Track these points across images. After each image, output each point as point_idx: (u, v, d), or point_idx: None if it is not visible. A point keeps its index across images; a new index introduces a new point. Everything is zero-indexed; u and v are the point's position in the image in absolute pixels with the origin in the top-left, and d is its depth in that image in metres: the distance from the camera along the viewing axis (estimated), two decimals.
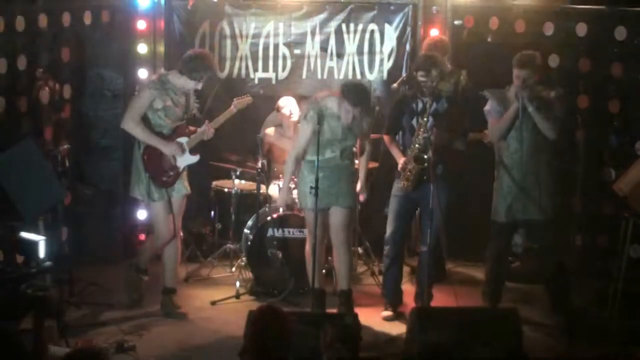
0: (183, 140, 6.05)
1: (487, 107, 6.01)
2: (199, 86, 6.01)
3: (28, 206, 5.42)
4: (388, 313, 6.23)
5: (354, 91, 5.79)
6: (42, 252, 5.06)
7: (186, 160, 6.08)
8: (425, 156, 5.86)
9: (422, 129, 5.92)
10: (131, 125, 5.92)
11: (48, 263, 4.91)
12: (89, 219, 7.20)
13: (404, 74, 7.33)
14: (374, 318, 6.11)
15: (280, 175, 6.85)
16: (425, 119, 5.92)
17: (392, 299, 6.29)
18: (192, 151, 6.11)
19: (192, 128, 6.13)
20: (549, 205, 5.91)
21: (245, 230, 6.88)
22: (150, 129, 5.93)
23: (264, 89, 7.59)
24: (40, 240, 5.08)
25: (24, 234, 5.17)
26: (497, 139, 5.94)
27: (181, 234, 6.34)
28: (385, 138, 6.25)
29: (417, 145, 5.94)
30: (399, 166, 6.07)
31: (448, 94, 6.09)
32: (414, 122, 6.01)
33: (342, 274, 6.07)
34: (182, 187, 6.11)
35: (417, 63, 6.10)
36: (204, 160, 6.33)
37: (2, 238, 5.34)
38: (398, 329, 5.88)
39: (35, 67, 6.58)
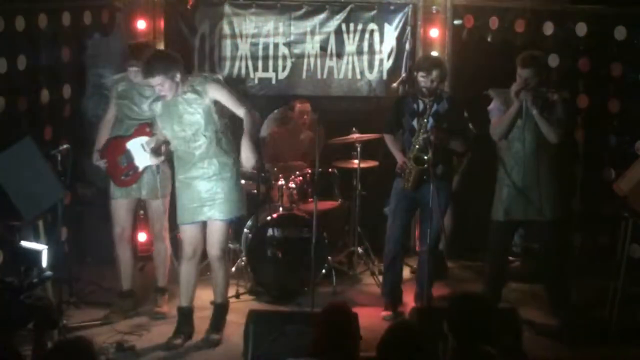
0: (142, 139, 5.90)
1: (490, 106, 6.00)
2: (153, 83, 5.66)
3: (28, 206, 5.41)
4: (388, 313, 6.23)
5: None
6: (44, 261, 5.01)
7: (147, 160, 5.91)
8: (425, 157, 5.85)
9: (422, 130, 5.91)
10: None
11: (48, 273, 4.85)
12: (89, 219, 7.20)
13: (403, 74, 7.35)
14: (374, 318, 6.11)
15: (281, 176, 6.86)
16: (425, 119, 5.91)
17: (392, 298, 6.29)
18: (158, 152, 5.88)
19: None
20: (549, 207, 5.91)
21: (245, 230, 6.88)
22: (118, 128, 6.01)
23: (264, 89, 7.59)
24: (42, 250, 5.02)
25: (25, 243, 5.11)
26: (498, 138, 5.93)
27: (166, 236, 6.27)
28: (386, 137, 6.24)
29: (416, 146, 5.93)
30: (398, 166, 6.07)
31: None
32: (415, 122, 6.00)
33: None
34: (149, 188, 5.97)
35: (417, 63, 6.08)
36: None
37: (2, 240, 5.34)
38: None
39: (35, 67, 6.58)
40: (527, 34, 7.04)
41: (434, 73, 5.90)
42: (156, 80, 5.34)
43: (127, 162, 5.96)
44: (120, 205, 6.06)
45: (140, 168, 5.95)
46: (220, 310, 5.80)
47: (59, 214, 5.80)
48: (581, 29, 6.79)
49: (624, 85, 6.71)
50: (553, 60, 6.88)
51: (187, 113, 5.42)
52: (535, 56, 5.84)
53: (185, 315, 5.72)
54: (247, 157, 5.27)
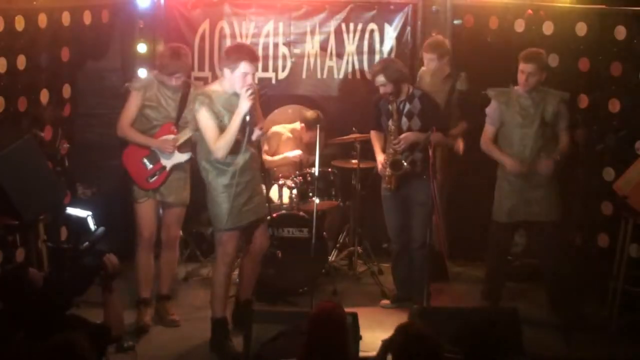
0: (169, 137, 5.89)
1: (487, 109, 6.03)
2: (172, 82, 5.84)
3: (28, 206, 5.42)
4: (386, 302, 6.35)
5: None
6: (92, 225, 4.96)
7: (174, 158, 5.92)
8: (404, 162, 5.92)
9: (394, 133, 6.00)
10: (125, 131, 5.92)
11: (101, 229, 4.80)
12: None
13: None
14: (374, 318, 6.11)
15: (280, 175, 6.86)
16: (398, 120, 6.01)
17: (400, 292, 6.40)
18: (182, 149, 5.92)
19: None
20: (549, 207, 5.91)
21: None
22: (141, 129, 5.91)
23: (263, 89, 7.57)
24: (87, 216, 4.98)
25: (71, 210, 5.06)
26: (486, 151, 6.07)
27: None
28: (371, 134, 6.38)
29: (391, 151, 6.01)
30: (378, 168, 6.14)
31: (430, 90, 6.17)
32: (390, 123, 6.06)
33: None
34: (177, 194, 5.99)
35: (372, 69, 6.23)
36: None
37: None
38: None
39: (35, 67, 6.58)
40: (527, 34, 7.03)
41: (377, 80, 6.03)
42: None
43: (153, 164, 5.93)
44: (147, 208, 5.97)
45: (168, 167, 5.92)
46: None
47: (59, 214, 5.81)
48: (581, 29, 6.78)
49: (624, 85, 6.70)
50: (553, 60, 6.86)
51: None
52: (537, 52, 5.90)
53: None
54: None
